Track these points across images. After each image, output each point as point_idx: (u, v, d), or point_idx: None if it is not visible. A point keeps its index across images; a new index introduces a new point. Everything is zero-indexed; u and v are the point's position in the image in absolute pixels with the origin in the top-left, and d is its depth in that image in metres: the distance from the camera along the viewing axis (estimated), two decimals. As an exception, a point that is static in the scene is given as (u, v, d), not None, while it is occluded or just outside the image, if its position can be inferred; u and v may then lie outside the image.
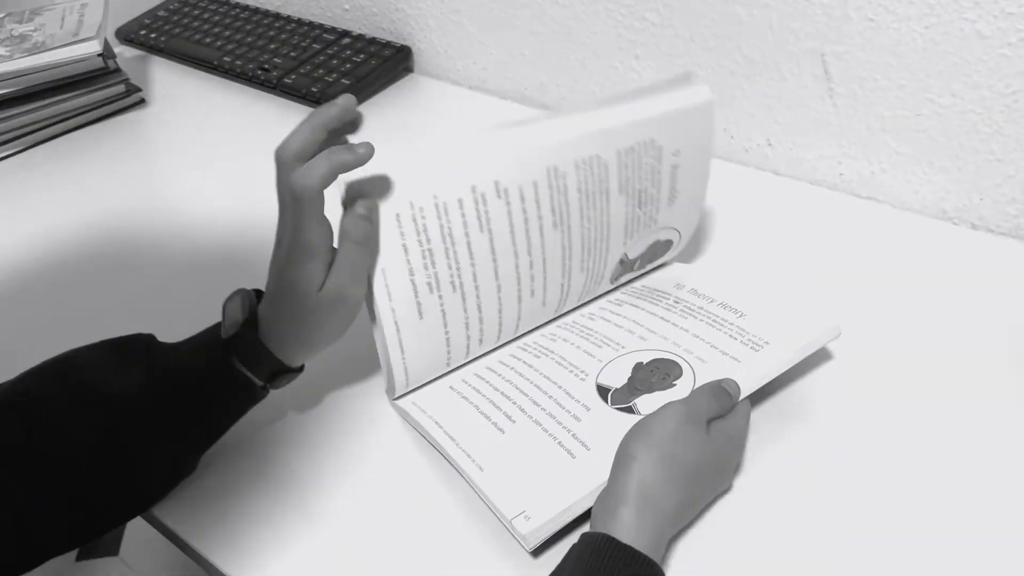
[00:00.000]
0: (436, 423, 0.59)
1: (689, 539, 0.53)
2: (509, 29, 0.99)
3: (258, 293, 0.59)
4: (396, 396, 0.61)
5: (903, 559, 0.52)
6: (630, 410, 0.57)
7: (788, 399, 0.62)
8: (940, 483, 0.56)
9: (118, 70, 1.03)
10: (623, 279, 0.69)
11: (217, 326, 0.57)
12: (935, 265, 0.74)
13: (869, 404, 0.61)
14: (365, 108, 1.04)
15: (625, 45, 0.91)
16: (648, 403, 0.57)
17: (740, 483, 0.56)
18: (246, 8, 1.22)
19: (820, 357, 0.65)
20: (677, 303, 0.67)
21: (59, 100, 0.99)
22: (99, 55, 0.99)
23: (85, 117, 1.02)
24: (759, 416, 0.60)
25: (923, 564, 0.51)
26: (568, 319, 0.68)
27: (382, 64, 1.06)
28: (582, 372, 0.61)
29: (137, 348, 0.55)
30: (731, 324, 0.63)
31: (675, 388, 0.58)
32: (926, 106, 0.75)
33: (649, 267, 0.70)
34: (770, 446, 0.59)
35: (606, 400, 0.59)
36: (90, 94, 1.01)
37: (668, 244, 0.69)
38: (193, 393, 0.54)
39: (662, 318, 0.65)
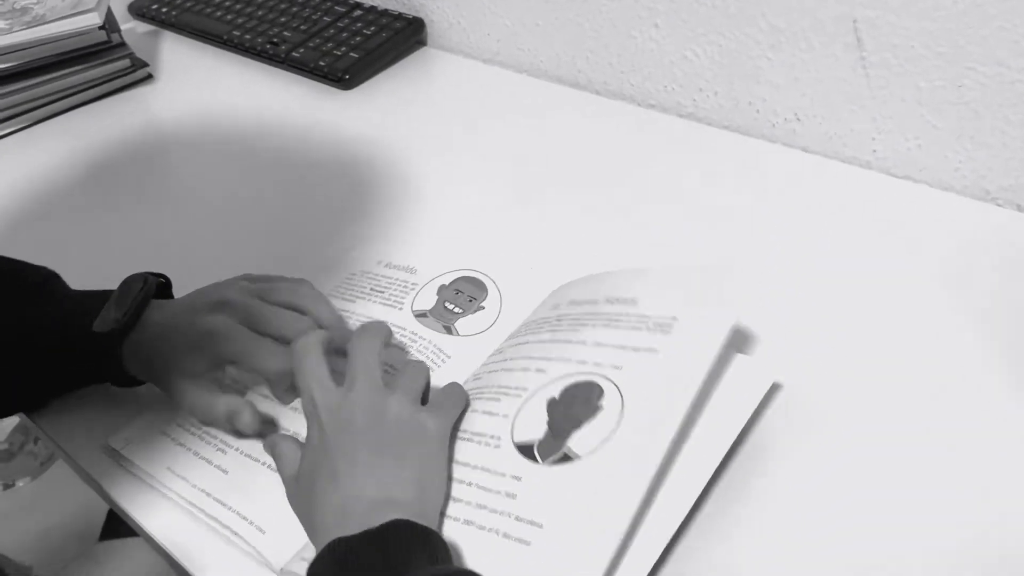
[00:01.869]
0: None
1: (688, 541, 0.49)
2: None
3: (164, 283, 0.60)
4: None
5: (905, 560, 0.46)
6: (566, 457, 0.48)
7: (803, 401, 0.57)
8: (964, 483, 0.50)
9: (122, 44, 1.00)
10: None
11: (104, 300, 0.57)
12: (977, 250, 0.67)
13: (898, 404, 0.56)
14: (376, 82, 1.00)
15: (644, 13, 0.85)
16: (582, 440, 0.48)
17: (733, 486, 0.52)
18: None
19: (852, 355, 0.59)
20: (561, 320, 0.57)
21: (61, 75, 0.96)
22: (101, 28, 0.96)
23: (89, 93, 0.99)
24: (772, 417, 0.55)
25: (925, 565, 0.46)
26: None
27: (393, 37, 1.01)
28: (492, 439, 0.51)
29: (28, 282, 0.59)
30: (628, 315, 0.54)
31: (603, 410, 0.49)
32: (968, 76, 0.68)
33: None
34: (777, 450, 0.54)
35: (534, 458, 0.49)
36: (93, 69, 0.98)
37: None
38: (37, 348, 0.56)
39: (552, 341, 0.55)
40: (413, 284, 0.67)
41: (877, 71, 0.73)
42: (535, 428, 0.50)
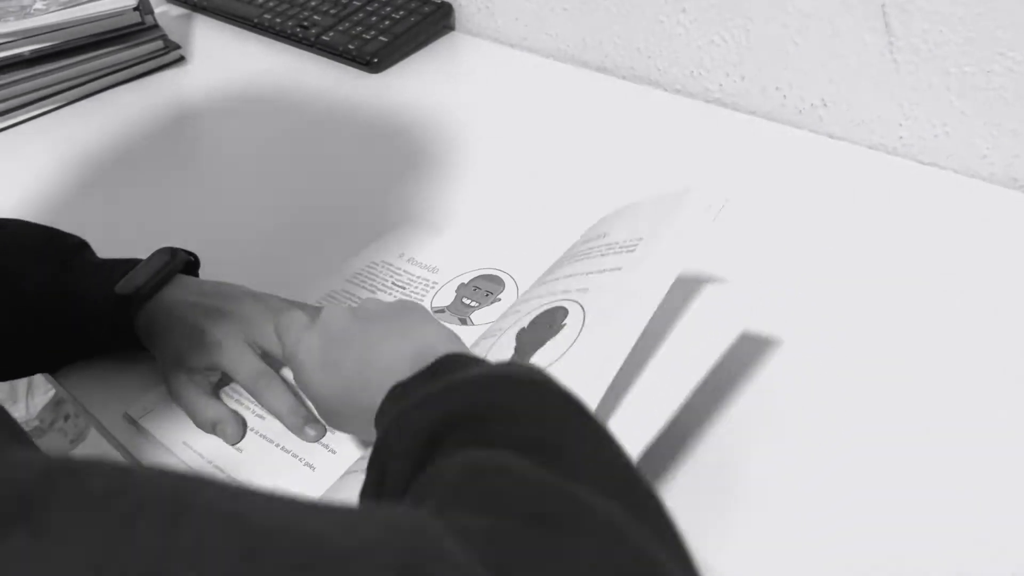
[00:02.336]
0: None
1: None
2: (551, -17, 0.94)
3: (192, 261, 0.62)
4: None
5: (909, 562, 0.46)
6: None
7: (815, 391, 0.57)
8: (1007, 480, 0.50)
9: (155, 26, 1.02)
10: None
11: (131, 268, 0.59)
12: (1004, 238, 0.67)
13: (918, 397, 0.56)
14: (403, 66, 1.00)
15: (672, 0, 0.85)
16: (544, 356, 0.47)
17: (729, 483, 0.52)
18: None
19: (873, 344, 0.59)
20: (543, 279, 0.56)
21: (97, 56, 0.98)
22: (135, 10, 0.97)
23: (123, 74, 1.01)
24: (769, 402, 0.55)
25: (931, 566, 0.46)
26: None
27: (422, 21, 1.02)
28: None
29: (64, 247, 0.60)
30: (598, 246, 0.53)
31: (565, 328, 0.48)
32: (997, 61, 0.68)
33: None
34: (784, 443, 0.54)
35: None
36: (127, 50, 1.00)
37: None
38: (60, 309, 0.58)
39: (528, 293, 0.55)
40: (434, 283, 0.67)
41: (905, 56, 0.72)
42: (504, 356, 0.50)
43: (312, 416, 0.54)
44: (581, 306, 0.49)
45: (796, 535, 0.48)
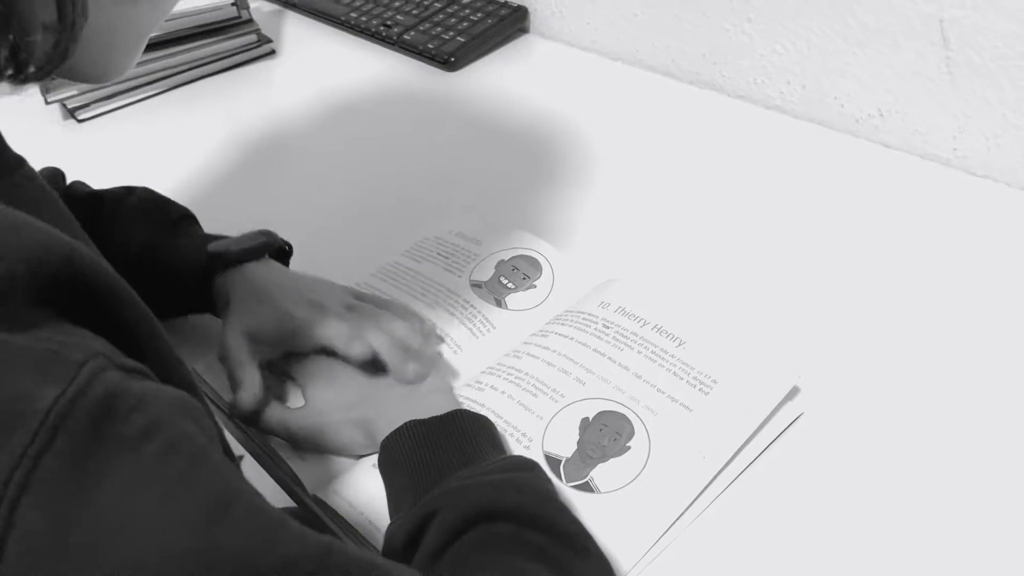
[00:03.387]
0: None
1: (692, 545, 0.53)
2: (623, -11, 0.98)
3: (286, 249, 0.66)
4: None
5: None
6: (588, 488, 0.53)
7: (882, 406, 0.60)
8: None
9: (250, 20, 1.09)
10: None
11: (226, 241, 0.64)
12: (1046, 250, 0.68)
13: (973, 404, 0.58)
14: (479, 66, 1.05)
15: (738, 7, 0.88)
16: (605, 476, 0.53)
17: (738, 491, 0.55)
18: None
19: (925, 359, 0.62)
20: (608, 328, 0.61)
21: (195, 46, 1.06)
22: (232, 4, 1.05)
23: (218, 64, 1.08)
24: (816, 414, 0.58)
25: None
26: (492, 358, 0.63)
27: (498, 23, 1.07)
28: (525, 436, 0.56)
29: (172, 215, 0.66)
30: (671, 356, 0.59)
31: (630, 451, 0.54)
32: (1051, 78, 0.69)
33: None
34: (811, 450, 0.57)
35: (559, 475, 0.54)
36: (224, 42, 1.07)
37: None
38: (157, 269, 0.63)
39: (595, 350, 0.60)
40: (475, 255, 0.72)
41: (961, 70, 0.74)
42: (565, 442, 0.55)
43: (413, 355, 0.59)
44: (647, 432, 0.55)
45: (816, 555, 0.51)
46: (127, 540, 0.27)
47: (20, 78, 0.35)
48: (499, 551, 0.41)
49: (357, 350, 0.58)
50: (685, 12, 0.93)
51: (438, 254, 0.72)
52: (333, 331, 0.59)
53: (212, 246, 0.63)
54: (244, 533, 0.29)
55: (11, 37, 0.33)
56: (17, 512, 0.26)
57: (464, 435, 0.50)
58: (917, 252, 0.70)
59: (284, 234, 0.71)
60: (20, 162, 0.41)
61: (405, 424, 0.51)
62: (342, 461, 0.58)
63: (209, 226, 0.69)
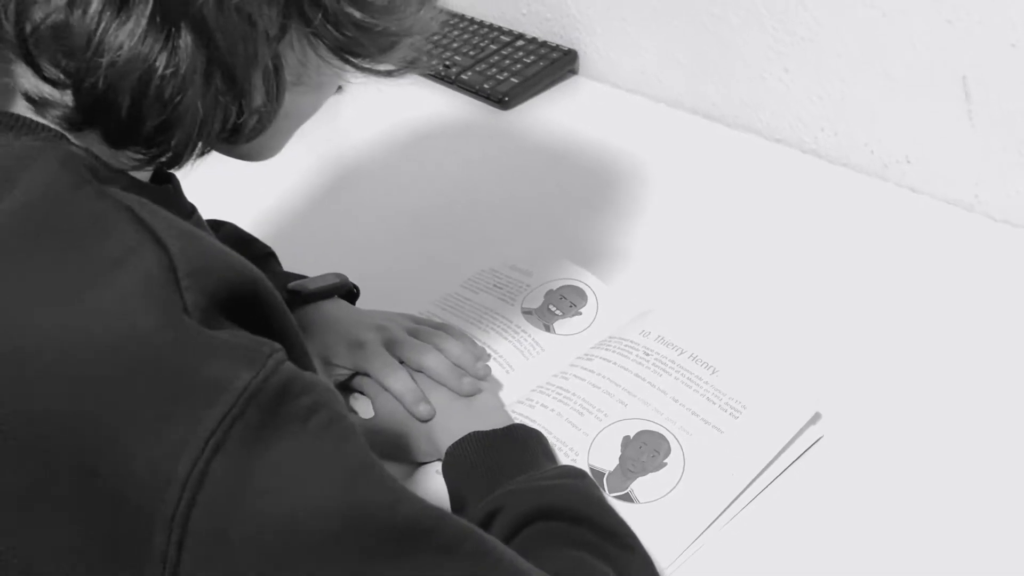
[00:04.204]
0: None
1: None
2: (667, 36, 1.05)
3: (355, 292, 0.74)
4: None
5: None
6: (628, 498, 0.60)
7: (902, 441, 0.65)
8: None
9: (321, 61, 1.18)
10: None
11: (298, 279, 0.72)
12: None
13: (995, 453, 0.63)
14: (530, 105, 1.13)
15: (774, 56, 0.94)
16: (644, 488, 0.60)
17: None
18: (440, 11, 1.33)
19: (941, 373, 0.67)
20: (648, 355, 0.67)
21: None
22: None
23: (290, 100, 1.17)
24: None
25: None
26: (541, 378, 0.69)
27: (549, 65, 1.14)
28: (572, 450, 0.63)
29: (254, 253, 0.72)
30: (705, 382, 0.65)
31: (666, 467, 0.61)
32: (1065, 132, 0.74)
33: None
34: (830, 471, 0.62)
35: (603, 486, 0.60)
36: (296, 80, 1.16)
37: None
38: None
39: (636, 375, 0.66)
40: (527, 285, 0.79)
41: (982, 122, 0.80)
42: (608, 457, 0.62)
43: (424, 397, 0.65)
44: (682, 451, 0.62)
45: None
46: (291, 490, 0.35)
47: (218, 146, 0.43)
48: (556, 544, 0.47)
49: (429, 363, 0.65)
50: (726, 60, 1.00)
51: (493, 285, 0.79)
52: (399, 348, 0.66)
53: (291, 284, 0.70)
54: (377, 492, 0.38)
55: (235, 111, 0.41)
56: (213, 462, 0.34)
57: (521, 446, 0.57)
58: (938, 291, 0.75)
59: (351, 266, 0.78)
60: (193, 209, 0.49)
61: (468, 435, 0.58)
62: (404, 466, 0.65)
63: (282, 257, 0.77)
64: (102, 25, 0.37)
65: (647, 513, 0.59)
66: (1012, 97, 0.77)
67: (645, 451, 0.62)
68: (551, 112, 1.11)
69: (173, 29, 0.38)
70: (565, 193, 0.95)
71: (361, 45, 0.44)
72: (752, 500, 0.60)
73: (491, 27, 1.25)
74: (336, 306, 0.71)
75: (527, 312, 0.76)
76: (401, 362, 0.67)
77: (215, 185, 1.03)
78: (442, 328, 0.71)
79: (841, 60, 0.88)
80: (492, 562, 0.40)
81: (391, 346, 0.68)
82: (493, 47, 1.20)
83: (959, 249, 0.80)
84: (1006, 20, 0.74)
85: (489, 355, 0.71)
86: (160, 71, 0.38)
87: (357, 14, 0.42)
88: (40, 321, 0.35)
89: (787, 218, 0.86)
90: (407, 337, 0.68)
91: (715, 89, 1.03)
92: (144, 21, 0.37)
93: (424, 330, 0.69)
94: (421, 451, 0.63)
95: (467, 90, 1.16)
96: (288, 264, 0.78)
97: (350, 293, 0.75)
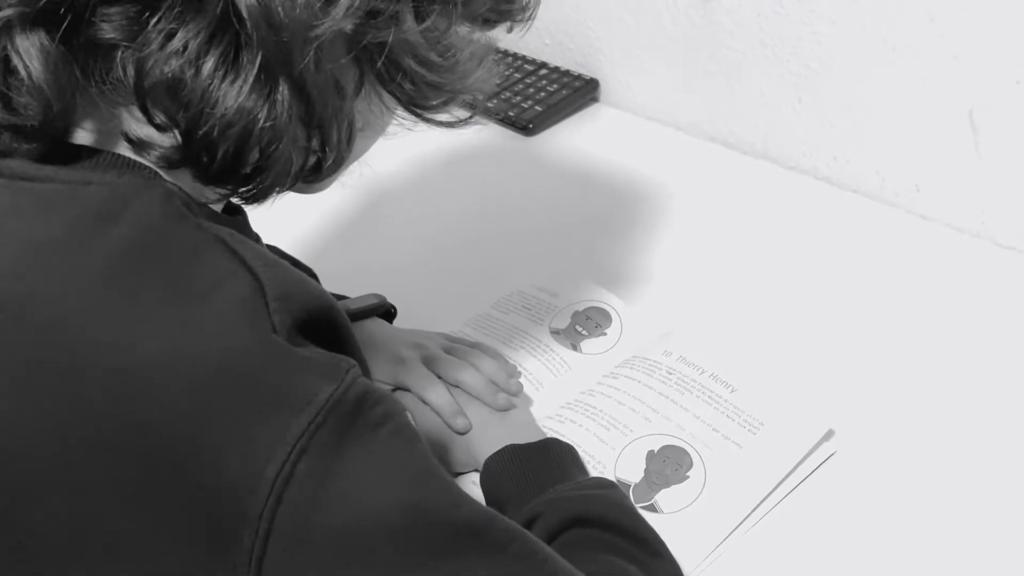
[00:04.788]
0: None
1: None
2: (685, 66, 1.09)
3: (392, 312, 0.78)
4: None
5: None
6: (653, 509, 0.63)
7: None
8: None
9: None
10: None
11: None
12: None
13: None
14: (554, 131, 1.17)
15: (788, 88, 0.99)
16: (668, 499, 0.64)
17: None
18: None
19: (947, 392, 0.71)
20: (671, 374, 0.72)
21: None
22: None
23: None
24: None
25: None
26: (570, 395, 0.73)
27: (572, 94, 1.19)
28: (599, 463, 0.67)
29: None
30: (724, 400, 0.69)
31: (689, 480, 0.65)
32: (1067, 164, 0.78)
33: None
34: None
35: (629, 497, 0.64)
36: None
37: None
38: None
39: (660, 393, 0.70)
40: (554, 306, 0.83)
41: (988, 152, 0.84)
42: (634, 470, 0.66)
43: (461, 411, 0.70)
44: (704, 464, 0.66)
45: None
46: (365, 490, 0.40)
47: (300, 185, 0.48)
48: (591, 549, 0.52)
49: (466, 379, 0.70)
50: (741, 90, 1.04)
51: (522, 306, 0.83)
52: (437, 365, 0.71)
53: None
54: (439, 494, 0.42)
55: (316, 156, 0.46)
56: (298, 466, 0.38)
57: (556, 458, 0.62)
58: (946, 313, 0.79)
59: (386, 288, 0.82)
60: (258, 238, 0.54)
61: (505, 447, 0.63)
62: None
63: (321, 279, 0.82)
64: (214, 83, 0.41)
65: (671, 523, 0.63)
66: (1016, 130, 0.81)
67: (669, 464, 0.66)
68: (574, 138, 1.15)
69: (273, 86, 0.42)
70: (588, 216, 0.99)
71: (425, 98, 0.49)
72: (769, 511, 0.64)
73: (515, 56, 1.30)
74: (376, 325, 0.76)
75: (555, 332, 0.80)
76: (439, 378, 0.71)
77: (256, 211, 1.09)
78: (476, 347, 0.75)
79: (853, 92, 0.93)
80: (538, 561, 0.44)
81: (429, 363, 0.72)
82: (517, 76, 1.25)
83: (966, 273, 0.84)
84: (1010, 58, 0.79)
85: (520, 372, 0.75)
86: (261, 123, 0.42)
87: (424, 72, 0.47)
88: (147, 340, 0.40)
89: (801, 242, 0.91)
90: (444, 354, 0.72)
91: (731, 117, 1.07)
92: (251, 79, 0.42)
93: (460, 348, 0.74)
94: (459, 462, 0.67)
95: (493, 117, 1.20)
96: (326, 286, 0.82)
97: (388, 313, 0.79)
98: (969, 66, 0.81)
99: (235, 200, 0.49)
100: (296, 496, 0.38)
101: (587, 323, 0.80)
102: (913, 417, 0.70)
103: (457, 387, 0.71)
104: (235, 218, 0.52)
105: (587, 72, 1.22)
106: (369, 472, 0.40)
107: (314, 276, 0.81)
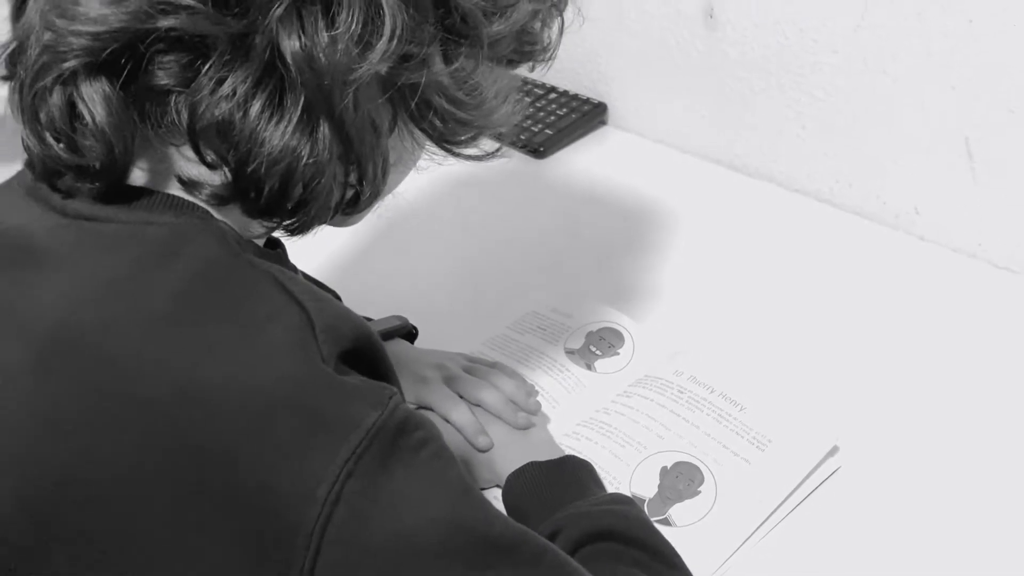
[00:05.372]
0: None
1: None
2: (692, 92, 1.13)
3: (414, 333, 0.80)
4: None
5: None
6: (667, 522, 0.66)
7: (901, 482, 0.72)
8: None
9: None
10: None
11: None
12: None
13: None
14: (562, 155, 1.21)
15: (792, 115, 1.02)
16: (681, 513, 0.67)
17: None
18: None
19: (944, 408, 0.74)
20: (682, 393, 0.75)
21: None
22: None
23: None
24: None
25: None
26: (585, 413, 0.76)
27: (581, 117, 1.23)
28: (615, 479, 0.70)
29: None
30: (734, 418, 0.72)
31: (701, 495, 0.68)
32: (1060, 189, 0.82)
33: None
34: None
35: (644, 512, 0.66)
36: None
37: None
38: None
39: (672, 411, 0.74)
40: (568, 327, 0.86)
41: (984, 178, 0.87)
42: (647, 485, 0.69)
43: (483, 429, 0.73)
44: (715, 480, 0.69)
45: None
46: (407, 508, 0.43)
47: (338, 218, 0.51)
48: (611, 562, 0.55)
49: (487, 398, 0.73)
50: (747, 115, 1.08)
51: (537, 327, 0.87)
52: (458, 384, 0.74)
53: None
54: (476, 511, 0.45)
55: (358, 187, 0.50)
56: (346, 486, 0.41)
57: (575, 475, 0.65)
58: (944, 331, 0.83)
59: (406, 309, 0.86)
60: (295, 269, 0.57)
61: (527, 464, 0.66)
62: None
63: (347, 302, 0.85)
64: (261, 123, 0.45)
65: (684, 536, 0.66)
66: (1010, 157, 0.84)
67: (681, 480, 0.69)
68: (583, 161, 1.19)
69: (315, 126, 0.46)
70: (598, 238, 1.03)
71: (455, 134, 0.53)
72: (778, 524, 0.67)
73: (525, 81, 1.33)
74: (399, 346, 0.79)
75: (570, 352, 0.83)
76: (460, 397, 0.74)
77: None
78: (495, 367, 0.78)
79: (854, 119, 0.96)
80: (569, 572, 0.47)
81: (451, 382, 0.75)
82: (528, 100, 1.29)
83: (964, 293, 0.87)
84: (1005, 89, 0.82)
85: (537, 391, 0.79)
86: (304, 159, 0.46)
87: (453, 110, 0.51)
88: (208, 369, 0.43)
89: (804, 262, 0.94)
90: (465, 374, 0.76)
91: (737, 142, 1.11)
92: (295, 120, 0.45)
93: (480, 368, 0.77)
94: (482, 478, 0.71)
95: (505, 140, 1.24)
96: (351, 307, 0.86)
97: (409, 334, 0.82)
98: (965, 96, 0.85)
99: (278, 233, 0.52)
100: (344, 514, 0.41)
101: (600, 343, 0.84)
102: (913, 432, 0.73)
103: (478, 406, 0.74)
104: (276, 251, 0.56)
105: (596, 96, 1.26)
106: (411, 491, 0.43)
107: (338, 298, 0.85)
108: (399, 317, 0.82)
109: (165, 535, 0.43)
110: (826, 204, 1.03)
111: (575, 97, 1.26)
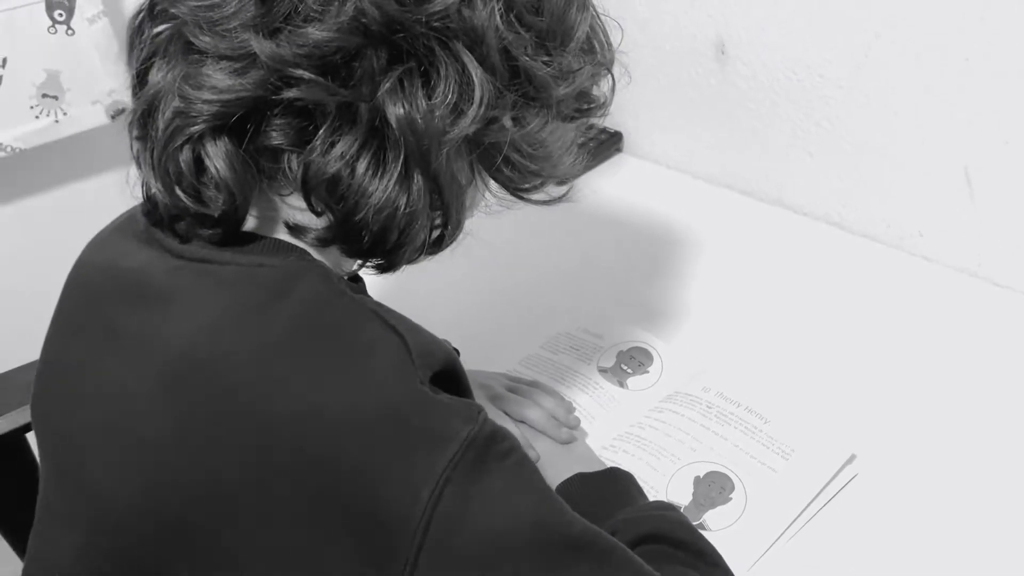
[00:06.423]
0: None
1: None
2: (704, 122, 1.20)
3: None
4: None
5: None
6: (702, 527, 0.72)
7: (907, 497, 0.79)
8: None
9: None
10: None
11: None
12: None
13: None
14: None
15: (799, 143, 1.09)
16: (714, 519, 0.73)
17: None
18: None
19: (953, 419, 0.80)
20: (710, 408, 0.81)
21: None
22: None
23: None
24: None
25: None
26: (621, 428, 0.82)
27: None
28: (652, 488, 0.75)
29: None
30: (760, 431, 0.79)
31: (732, 502, 0.74)
32: (1053, 214, 0.89)
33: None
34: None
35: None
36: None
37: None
38: None
39: (702, 425, 0.80)
40: (600, 347, 0.92)
41: (983, 203, 0.94)
42: (682, 493, 0.75)
43: (530, 445, 0.79)
44: (744, 488, 0.75)
45: None
46: (496, 510, 0.49)
47: (420, 256, 0.57)
48: (663, 561, 0.61)
49: (531, 415, 0.79)
50: (756, 143, 1.14)
51: (570, 347, 0.93)
52: (503, 403, 0.80)
53: None
54: (557, 513, 0.51)
55: (443, 230, 0.56)
56: (444, 491, 0.47)
57: (620, 485, 0.71)
58: (948, 347, 0.89)
59: (446, 333, 0.91)
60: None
61: (574, 476, 0.72)
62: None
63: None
64: (366, 179, 0.51)
65: (718, 540, 0.71)
66: (1006, 183, 0.91)
67: (713, 488, 0.75)
68: (600, 186, 1.25)
69: (411, 180, 0.52)
70: (620, 261, 1.09)
71: (525, 182, 0.59)
72: (803, 527, 0.73)
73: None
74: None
75: (603, 371, 0.89)
76: (505, 415, 0.80)
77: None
78: (536, 385, 0.84)
79: (860, 148, 1.03)
80: (635, 567, 0.53)
81: (495, 401, 0.81)
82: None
83: (966, 310, 0.94)
84: (1000, 122, 0.89)
85: (575, 408, 0.85)
86: (402, 209, 0.52)
87: (525, 163, 0.57)
88: (321, 392, 0.49)
89: (815, 282, 1.00)
90: (508, 393, 0.82)
91: (747, 169, 1.17)
92: (395, 175, 0.51)
93: (522, 387, 0.83)
94: None
95: (525, 168, 1.30)
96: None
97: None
98: (964, 128, 0.92)
99: (369, 270, 0.59)
100: (443, 516, 0.47)
101: (631, 362, 0.90)
102: (924, 441, 0.79)
103: (522, 422, 0.80)
104: (358, 284, 0.62)
105: (612, 125, 1.32)
106: (500, 495, 0.49)
107: None
108: (442, 340, 0.87)
109: (285, 540, 0.49)
110: (835, 227, 1.10)
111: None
